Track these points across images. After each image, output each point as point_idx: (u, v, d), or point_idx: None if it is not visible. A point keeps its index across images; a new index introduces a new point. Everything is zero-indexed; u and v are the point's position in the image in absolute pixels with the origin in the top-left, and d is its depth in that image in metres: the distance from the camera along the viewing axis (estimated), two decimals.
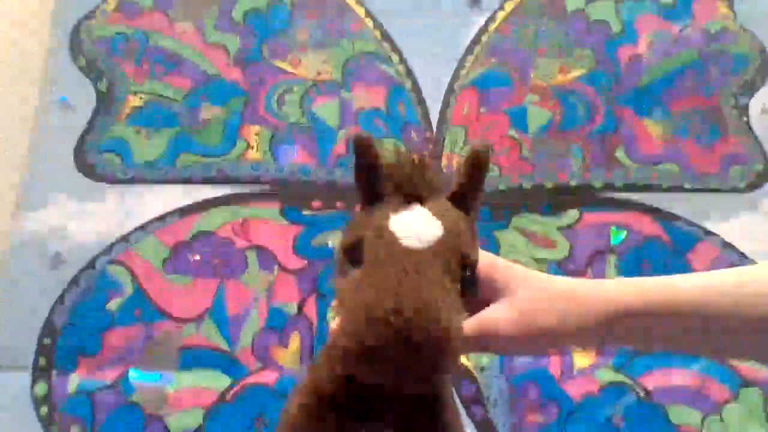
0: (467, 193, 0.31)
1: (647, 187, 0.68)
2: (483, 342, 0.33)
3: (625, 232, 0.66)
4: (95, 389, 0.58)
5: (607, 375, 0.61)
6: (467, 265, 0.29)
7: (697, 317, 0.34)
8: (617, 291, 0.34)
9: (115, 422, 0.57)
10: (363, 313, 0.25)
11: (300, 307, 0.62)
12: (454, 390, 0.39)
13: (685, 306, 0.34)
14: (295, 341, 0.61)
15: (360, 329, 0.25)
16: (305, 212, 0.65)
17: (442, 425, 0.30)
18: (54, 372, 0.58)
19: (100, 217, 0.64)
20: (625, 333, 0.35)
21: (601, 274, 0.64)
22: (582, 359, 0.62)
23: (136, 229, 0.64)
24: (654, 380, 0.61)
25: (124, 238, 0.63)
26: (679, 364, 0.61)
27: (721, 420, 0.59)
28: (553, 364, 0.61)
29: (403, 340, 0.25)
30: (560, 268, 0.65)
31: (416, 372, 0.26)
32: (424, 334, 0.25)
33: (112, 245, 0.63)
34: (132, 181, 0.65)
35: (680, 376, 0.61)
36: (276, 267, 0.63)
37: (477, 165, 0.30)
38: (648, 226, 0.66)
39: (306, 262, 0.64)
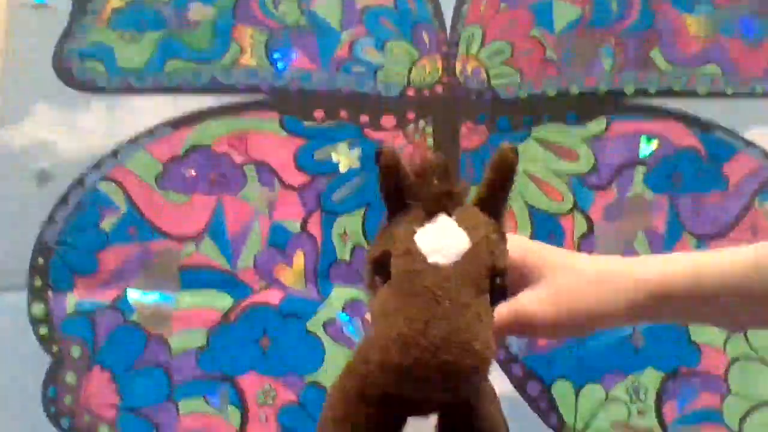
0: (493, 197, 0.30)
1: (684, 93, 0.61)
2: (517, 329, 0.33)
3: (656, 143, 0.60)
4: (94, 309, 0.56)
5: None
6: (497, 272, 0.28)
7: (735, 297, 0.34)
8: (653, 271, 0.34)
9: (116, 342, 0.55)
10: (393, 340, 0.26)
11: (303, 225, 0.58)
12: None
13: (720, 287, 0.34)
14: (299, 260, 0.58)
15: (391, 355, 0.25)
16: (306, 123, 0.60)
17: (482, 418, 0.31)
18: (50, 292, 0.56)
19: (85, 130, 0.59)
20: (662, 313, 0.35)
21: (626, 188, 0.59)
22: None
23: (125, 143, 0.59)
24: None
25: (114, 153, 0.59)
26: None
27: (746, 339, 0.56)
28: None
29: (435, 367, 0.25)
30: (583, 182, 0.60)
31: (448, 391, 0.26)
32: (456, 361, 0.25)
33: (101, 161, 0.59)
34: (117, 90, 0.60)
35: None
36: (277, 183, 0.59)
37: (503, 168, 0.30)
38: (682, 136, 0.60)
39: (308, 177, 0.59)
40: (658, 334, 0.57)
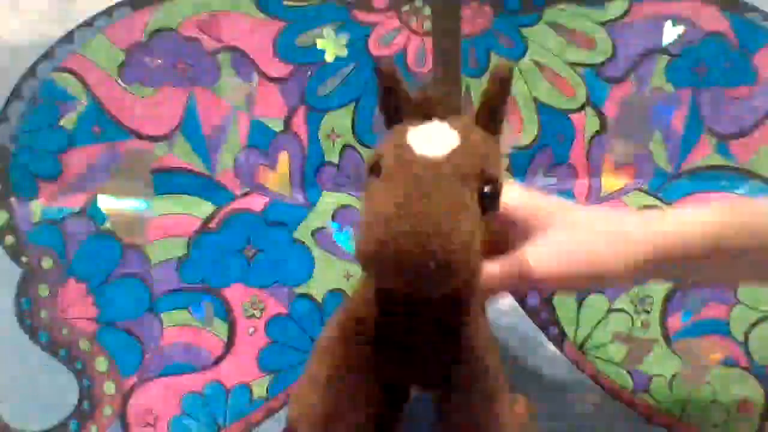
0: (490, 113, 0.30)
1: None
2: (518, 283, 0.34)
3: (682, 28, 0.53)
4: (62, 217, 0.51)
5: (639, 199, 0.54)
6: (487, 178, 0.29)
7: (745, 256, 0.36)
8: (658, 230, 0.35)
9: (89, 252, 0.52)
10: (375, 217, 0.26)
11: (287, 123, 0.53)
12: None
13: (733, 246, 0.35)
14: (283, 162, 0.53)
15: (372, 231, 0.26)
16: (287, 2, 0.52)
17: (471, 349, 0.33)
18: (13, 199, 0.51)
19: (31, 10, 0.51)
20: (671, 272, 0.36)
21: (645, 81, 0.54)
22: (611, 182, 0.54)
23: (79, 27, 0.51)
24: (691, 205, 0.54)
25: (68, 38, 0.51)
26: (722, 187, 0.54)
27: None
28: (579, 189, 0.54)
29: (417, 251, 0.25)
30: (598, 74, 0.54)
31: (432, 280, 0.26)
32: (436, 246, 0.25)
33: (53, 47, 0.51)
34: None
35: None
36: (255, 74, 0.52)
37: (500, 82, 0.30)
38: (712, 20, 0.53)
39: (291, 67, 0.53)
40: None
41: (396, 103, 0.30)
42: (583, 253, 0.34)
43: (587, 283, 0.38)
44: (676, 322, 0.54)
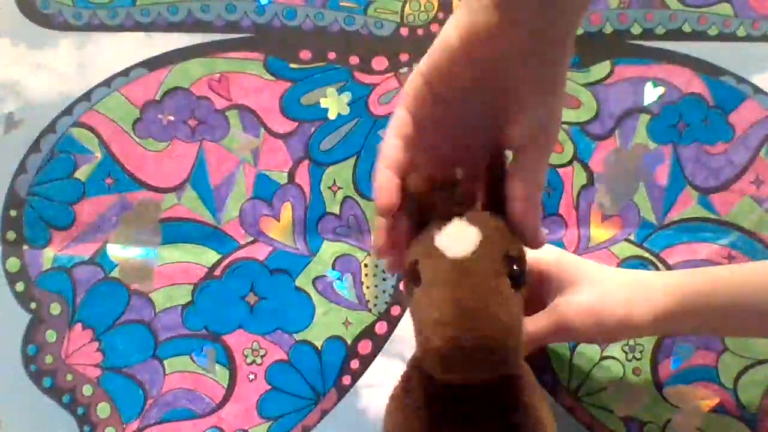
0: (495, 197, 0.34)
1: (693, 35, 0.57)
2: (558, 336, 0.38)
3: (663, 89, 0.57)
4: (72, 264, 0.53)
5: (627, 249, 0.56)
6: (512, 258, 0.31)
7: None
8: (678, 280, 0.39)
9: (97, 299, 0.53)
10: (431, 327, 0.29)
11: (290, 175, 0.55)
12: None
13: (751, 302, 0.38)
14: (286, 212, 0.55)
15: (432, 342, 0.29)
16: (292, 65, 0.56)
17: (526, 406, 0.36)
18: (25, 247, 0.53)
19: (53, 70, 0.55)
20: (687, 322, 0.39)
21: (629, 137, 0.57)
22: (600, 233, 0.56)
23: (98, 86, 0.55)
24: (677, 255, 0.56)
25: (86, 96, 0.55)
26: (705, 238, 0.56)
27: None
28: (569, 238, 0.56)
29: (471, 339, 0.28)
30: (584, 131, 0.57)
31: (486, 366, 0.29)
32: (488, 330, 0.29)
33: (73, 104, 0.55)
34: (86, 27, 0.55)
35: (706, 251, 0.56)
36: (261, 130, 0.56)
37: (498, 168, 0.34)
38: (689, 82, 0.57)
39: (295, 124, 0.56)
40: None
41: (414, 211, 0.34)
42: (615, 302, 0.37)
43: (618, 332, 0.39)
44: (666, 369, 0.55)
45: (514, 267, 0.31)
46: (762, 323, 0.40)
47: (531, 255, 0.34)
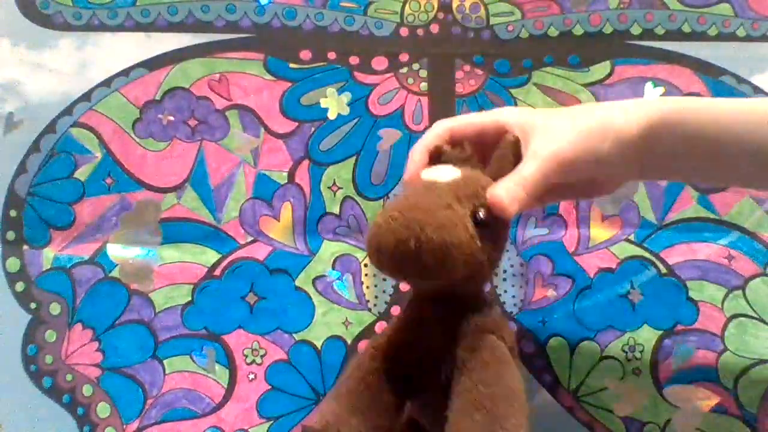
0: (499, 171, 0.36)
1: (693, 35, 0.57)
2: (547, 170, 0.35)
3: (663, 89, 0.57)
4: (72, 265, 0.53)
5: (626, 249, 0.56)
6: (478, 203, 0.34)
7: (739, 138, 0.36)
8: (653, 103, 0.37)
9: (96, 298, 0.53)
10: (378, 215, 0.32)
11: (290, 175, 0.55)
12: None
13: (725, 123, 0.36)
14: (286, 212, 0.55)
15: (370, 233, 0.32)
16: (292, 65, 0.56)
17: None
18: (25, 247, 0.53)
19: (53, 70, 0.55)
20: (665, 146, 0.37)
21: None
22: (600, 232, 0.56)
23: (98, 86, 0.55)
24: (677, 255, 0.56)
25: (86, 96, 0.55)
26: (705, 238, 0.56)
27: (744, 296, 0.56)
28: (569, 238, 0.56)
29: (405, 234, 0.30)
30: None
31: (422, 264, 0.31)
32: (424, 231, 0.30)
33: (73, 104, 0.55)
34: (86, 27, 0.55)
35: (705, 251, 0.56)
36: (261, 130, 0.56)
37: (513, 148, 0.37)
38: (689, 82, 0.57)
39: (295, 124, 0.56)
40: (655, 291, 0.56)
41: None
42: (597, 119, 0.36)
43: (607, 152, 0.36)
44: (666, 369, 0.55)
45: (480, 212, 0.33)
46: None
47: (491, 115, 0.39)
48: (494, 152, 0.37)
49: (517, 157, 0.37)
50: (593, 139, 0.36)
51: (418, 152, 0.39)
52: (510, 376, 0.34)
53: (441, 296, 0.37)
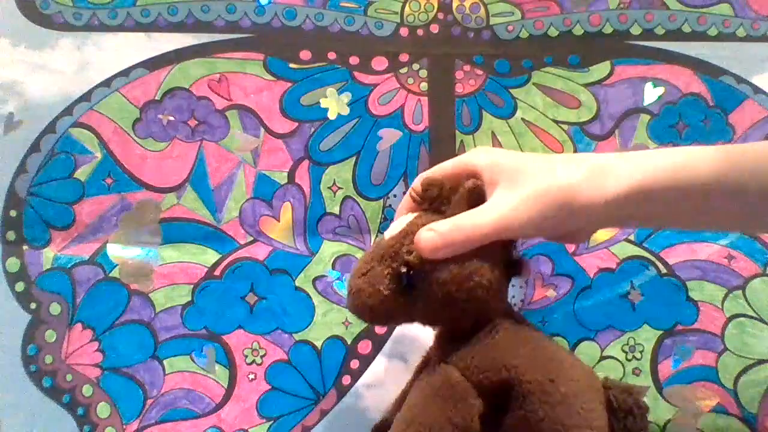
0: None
1: (693, 35, 0.57)
2: (497, 229, 0.34)
3: (663, 89, 0.57)
4: (72, 264, 0.53)
5: (626, 249, 0.56)
6: (405, 263, 0.36)
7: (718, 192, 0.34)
8: (638, 162, 0.35)
9: (96, 299, 0.53)
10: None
11: (290, 175, 0.55)
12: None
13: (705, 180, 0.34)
14: (286, 212, 0.55)
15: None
16: (292, 65, 0.56)
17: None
18: (25, 247, 0.53)
19: (53, 70, 0.55)
20: (644, 209, 0.35)
21: (629, 137, 0.57)
22: (600, 233, 0.56)
23: (98, 86, 0.55)
24: (677, 255, 0.56)
25: (86, 96, 0.55)
26: (705, 238, 0.56)
27: (744, 297, 0.56)
28: None
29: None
30: (584, 131, 0.57)
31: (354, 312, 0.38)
32: (350, 291, 0.38)
33: (73, 104, 0.55)
34: (86, 27, 0.55)
35: (706, 251, 0.56)
36: (261, 130, 0.56)
37: (462, 204, 0.37)
38: (689, 82, 0.57)
39: (295, 124, 0.56)
40: (655, 291, 0.56)
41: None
42: (559, 187, 0.34)
43: (565, 221, 0.35)
44: (666, 369, 0.55)
45: (401, 269, 0.36)
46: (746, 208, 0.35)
47: (463, 159, 0.39)
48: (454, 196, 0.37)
49: (478, 202, 0.36)
50: (547, 211, 0.34)
51: (400, 207, 0.41)
52: (415, 407, 0.36)
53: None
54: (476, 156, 0.39)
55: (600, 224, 0.38)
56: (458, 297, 0.35)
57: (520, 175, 0.35)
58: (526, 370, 0.34)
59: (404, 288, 0.35)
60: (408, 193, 0.40)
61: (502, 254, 0.37)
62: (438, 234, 0.35)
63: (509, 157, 0.37)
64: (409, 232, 0.36)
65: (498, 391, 0.34)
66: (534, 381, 0.33)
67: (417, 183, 0.40)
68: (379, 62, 0.56)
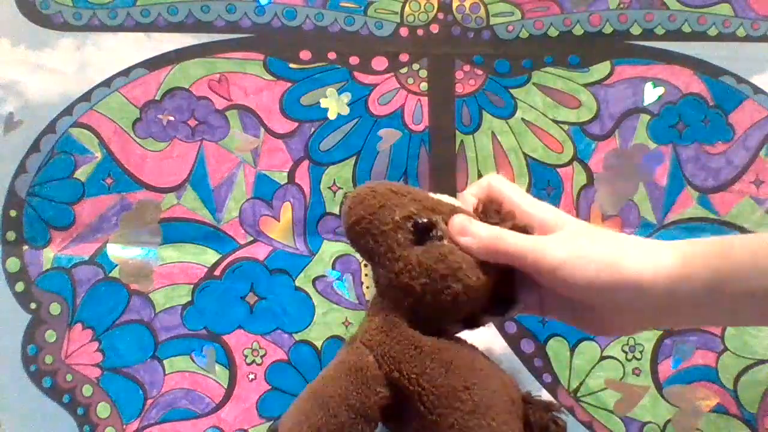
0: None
1: (693, 35, 0.57)
2: (528, 261, 0.32)
3: (663, 89, 0.57)
4: (72, 265, 0.53)
5: None
6: (430, 220, 0.35)
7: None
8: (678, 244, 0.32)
9: (96, 299, 0.53)
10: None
11: (290, 175, 0.55)
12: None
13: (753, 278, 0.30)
14: (286, 212, 0.55)
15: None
16: (292, 65, 0.56)
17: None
18: (25, 247, 0.53)
19: (53, 70, 0.55)
20: (704, 289, 0.30)
21: (629, 137, 0.57)
22: None
23: (98, 86, 0.55)
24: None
25: (86, 96, 0.55)
26: None
27: None
28: None
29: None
30: (584, 131, 0.57)
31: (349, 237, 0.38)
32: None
33: (73, 104, 0.55)
34: (86, 27, 0.55)
35: None
36: (261, 130, 0.56)
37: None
38: (689, 82, 0.57)
39: (295, 124, 0.56)
40: None
41: None
42: (608, 248, 0.31)
43: (608, 284, 0.31)
44: (666, 369, 0.55)
45: (419, 219, 0.34)
46: None
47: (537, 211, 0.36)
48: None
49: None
50: (590, 255, 0.32)
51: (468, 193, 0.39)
52: (322, 379, 0.34)
53: None
54: (557, 215, 0.35)
55: (650, 305, 0.32)
56: (437, 285, 0.33)
57: (586, 251, 0.32)
58: (441, 374, 0.33)
59: (412, 235, 0.33)
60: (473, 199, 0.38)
61: (502, 287, 0.35)
62: (472, 223, 0.34)
63: (583, 225, 0.35)
64: (455, 209, 0.35)
65: (407, 389, 0.33)
66: (448, 386, 0.33)
67: (477, 185, 0.39)
68: (379, 62, 0.56)
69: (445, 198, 0.37)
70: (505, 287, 0.35)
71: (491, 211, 0.36)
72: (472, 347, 0.37)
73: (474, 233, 0.34)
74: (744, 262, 0.30)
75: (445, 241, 0.33)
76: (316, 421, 0.32)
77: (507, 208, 0.36)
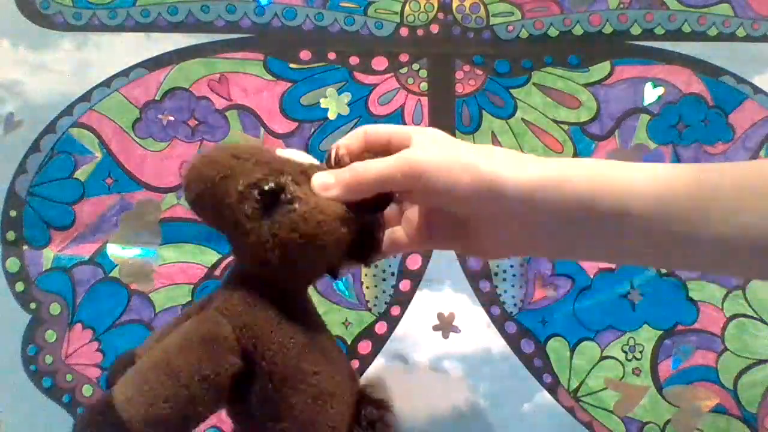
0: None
1: (693, 35, 0.57)
2: (404, 171, 0.31)
3: (663, 89, 0.57)
4: (72, 265, 0.53)
5: None
6: (262, 184, 0.31)
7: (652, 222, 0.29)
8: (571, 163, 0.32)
9: (96, 299, 0.53)
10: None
11: None
12: None
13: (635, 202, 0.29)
14: None
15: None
16: (292, 65, 0.56)
17: None
18: (25, 247, 0.53)
19: (53, 70, 0.55)
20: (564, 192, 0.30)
21: (629, 137, 0.57)
22: None
23: (98, 86, 0.55)
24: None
25: (86, 96, 0.55)
26: None
27: (744, 297, 0.56)
28: None
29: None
30: (584, 131, 0.57)
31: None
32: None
33: (73, 104, 0.55)
34: (86, 27, 0.55)
35: None
36: (261, 130, 0.56)
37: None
38: (689, 82, 0.57)
39: (295, 123, 0.56)
40: (655, 291, 0.56)
41: None
42: (471, 151, 0.31)
43: (471, 186, 0.30)
44: (666, 369, 0.55)
45: (265, 185, 0.30)
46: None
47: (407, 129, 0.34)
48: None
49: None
50: (456, 162, 0.31)
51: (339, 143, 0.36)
52: (179, 349, 0.31)
53: None
54: (423, 130, 0.34)
55: (508, 209, 0.31)
56: (294, 255, 0.31)
57: (445, 139, 0.33)
58: (295, 356, 0.32)
59: (259, 204, 0.30)
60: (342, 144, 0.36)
61: (364, 236, 0.33)
62: (330, 174, 0.32)
63: (439, 134, 0.34)
64: (304, 167, 0.32)
65: (259, 365, 0.32)
66: (298, 368, 0.32)
67: (350, 136, 0.36)
68: (379, 62, 0.56)
69: (295, 153, 0.34)
70: (366, 237, 0.33)
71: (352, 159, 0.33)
72: (329, 334, 0.35)
73: (336, 181, 0.31)
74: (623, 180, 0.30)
75: (296, 205, 0.30)
76: (163, 392, 0.30)
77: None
